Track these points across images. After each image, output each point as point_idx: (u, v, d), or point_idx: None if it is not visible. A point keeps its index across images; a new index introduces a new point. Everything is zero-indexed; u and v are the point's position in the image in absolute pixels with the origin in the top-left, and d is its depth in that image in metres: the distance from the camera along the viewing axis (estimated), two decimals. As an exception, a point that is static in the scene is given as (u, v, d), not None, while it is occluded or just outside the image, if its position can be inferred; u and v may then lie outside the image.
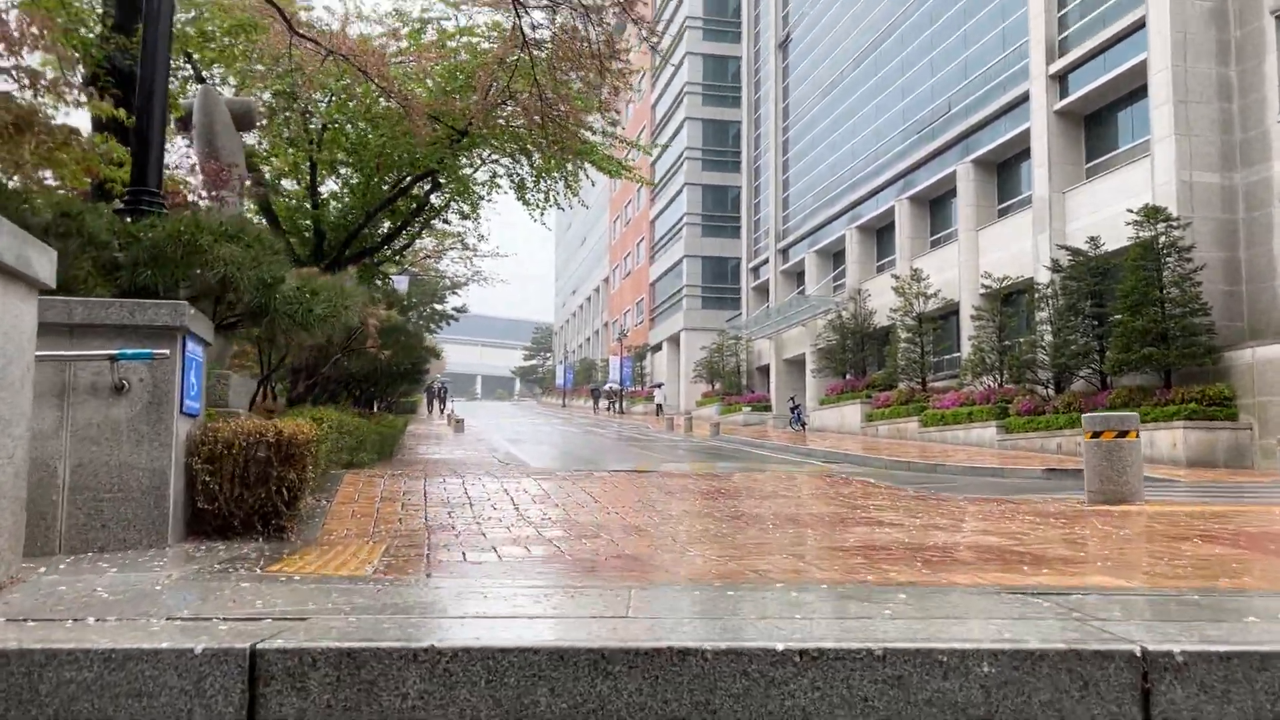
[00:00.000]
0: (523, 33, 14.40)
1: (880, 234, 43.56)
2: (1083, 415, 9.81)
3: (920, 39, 39.02)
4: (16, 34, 6.03)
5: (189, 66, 17.53)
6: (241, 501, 5.87)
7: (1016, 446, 27.02)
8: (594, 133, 19.75)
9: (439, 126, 17.72)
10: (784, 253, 54.42)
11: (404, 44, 18.87)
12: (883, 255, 43.38)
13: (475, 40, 19.20)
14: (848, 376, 42.01)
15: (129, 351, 5.43)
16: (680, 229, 67.81)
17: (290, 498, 6.05)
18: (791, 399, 45.66)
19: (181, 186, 9.17)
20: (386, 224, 22.28)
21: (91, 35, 8.61)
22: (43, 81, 6.54)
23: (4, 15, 6.04)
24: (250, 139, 19.60)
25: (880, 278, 41.70)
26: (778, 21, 56.17)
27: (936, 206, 39.16)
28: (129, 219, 6.43)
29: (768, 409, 51.16)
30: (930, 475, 18.62)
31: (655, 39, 14.37)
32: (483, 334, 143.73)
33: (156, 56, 6.64)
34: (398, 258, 26.23)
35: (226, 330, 6.97)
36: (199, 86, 12.70)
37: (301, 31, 14.46)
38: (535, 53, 15.10)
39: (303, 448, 6.09)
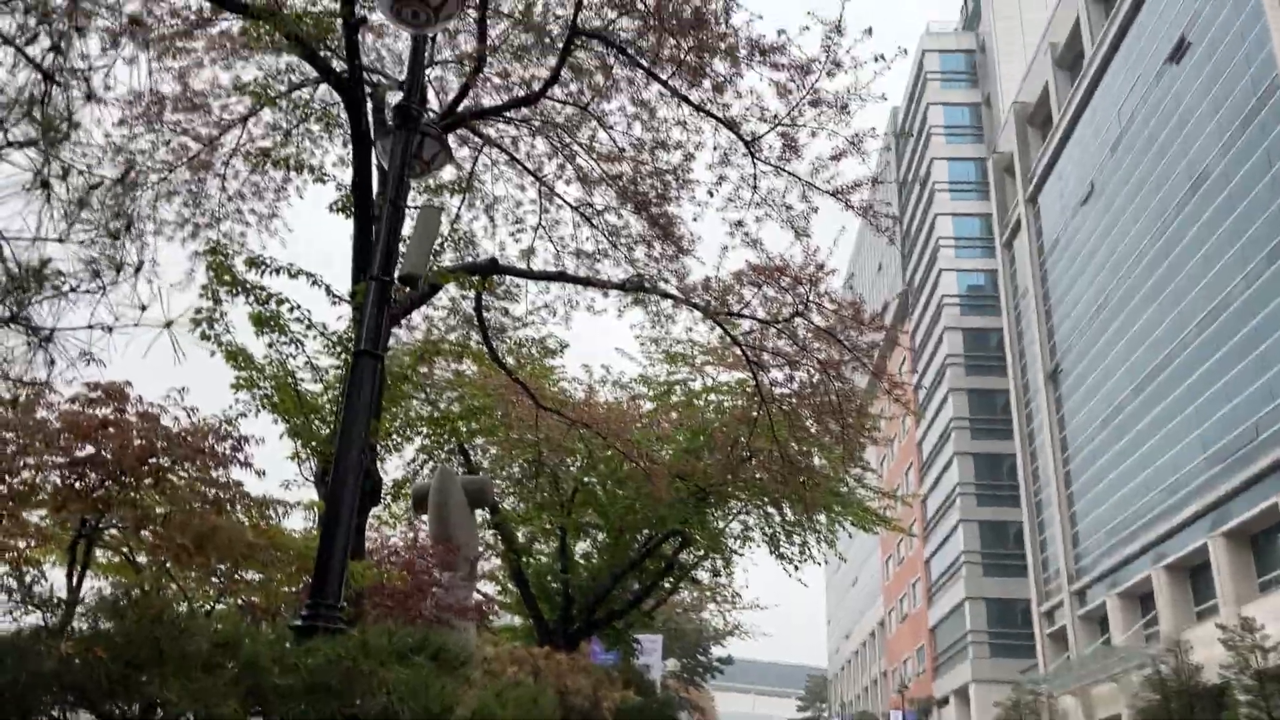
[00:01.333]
0: (760, 393, 14.04)
1: (1193, 574, 38.28)
2: None
3: (1208, 364, 36.04)
4: (209, 447, 5.97)
5: (452, 439, 18.47)
6: None
7: None
8: (845, 485, 18.74)
9: (682, 486, 17.35)
10: (1080, 595, 48.93)
11: (649, 406, 19.13)
12: (1200, 598, 37.82)
13: (720, 398, 19.18)
14: (1177, 747, 35.38)
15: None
16: (959, 568, 63.27)
17: None
18: (1109, 772, 38.87)
19: (396, 578, 8.86)
20: (636, 584, 21.69)
21: (324, 430, 8.81)
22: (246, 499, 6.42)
23: (210, 435, 6.03)
24: (507, 502, 20.10)
25: (1202, 626, 36.03)
26: (1044, 353, 54.49)
27: (1262, 542, 34.10)
28: (300, 638, 5.93)
29: (1081, 782, 43.83)
30: None
31: (903, 395, 13.53)
32: (754, 680, 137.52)
33: (347, 469, 6.43)
34: (648, 618, 25.39)
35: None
36: (439, 467, 13.02)
37: (547, 405, 14.81)
38: (775, 408, 14.64)
39: None
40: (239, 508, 6.41)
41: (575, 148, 12.19)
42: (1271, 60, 32.68)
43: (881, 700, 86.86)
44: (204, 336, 8.49)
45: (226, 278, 9.13)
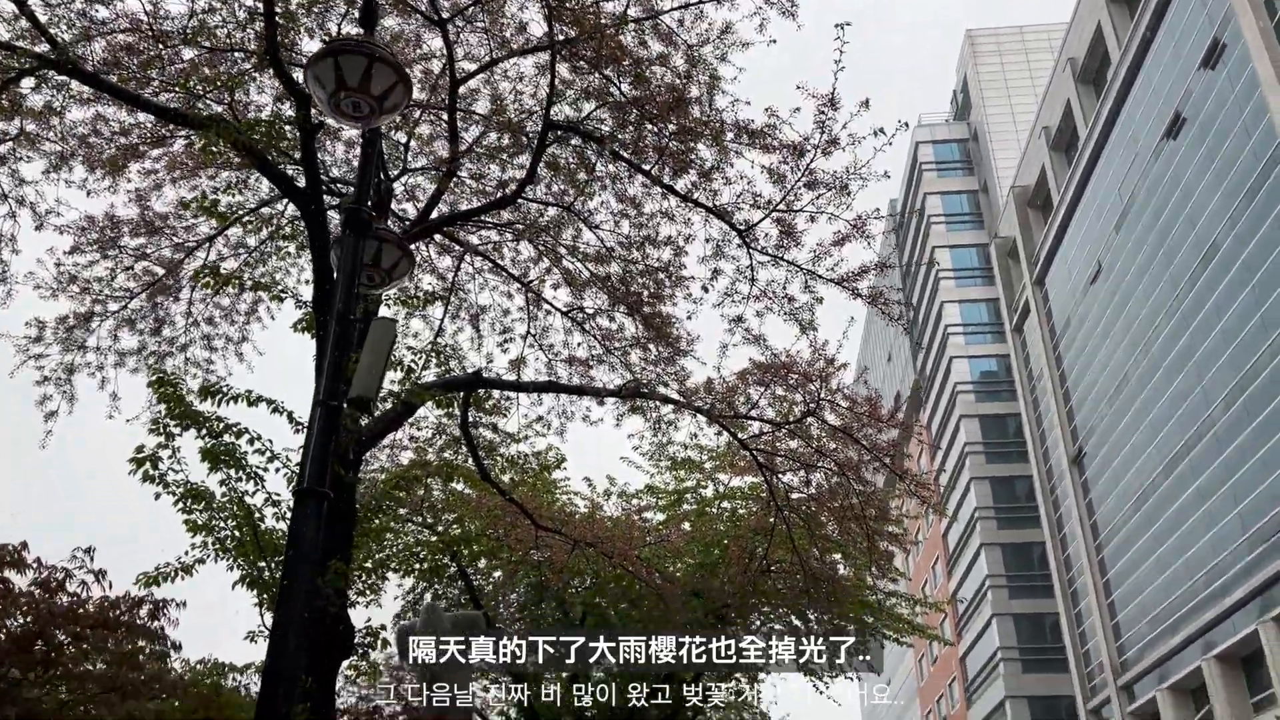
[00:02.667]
0: (775, 499, 13.01)
1: (1246, 663, 36.18)
2: None
3: (1240, 438, 34.76)
4: (119, 618, 5.01)
5: (453, 564, 17.37)
6: None
7: None
8: (875, 595, 17.48)
9: (697, 604, 16.17)
10: (1128, 690, 46.42)
11: (660, 516, 18.06)
12: (1255, 689, 35.64)
13: (734, 505, 18.11)
14: None
15: None
16: (996, 665, 60.58)
17: None
18: None
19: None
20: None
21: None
22: None
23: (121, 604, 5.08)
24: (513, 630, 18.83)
25: (1260, 718, 33.89)
26: (1065, 437, 53.11)
27: (1315, 626, 32.28)
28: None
29: None
30: None
31: (929, 495, 12.51)
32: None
33: (288, 624, 5.46)
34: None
35: None
36: (425, 605, 11.97)
37: (546, 525, 13.81)
38: (792, 514, 13.59)
39: None
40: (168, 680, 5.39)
41: (561, 250, 11.50)
42: (1272, 130, 32.33)
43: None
44: (147, 478, 7.58)
45: (178, 410, 8.28)
